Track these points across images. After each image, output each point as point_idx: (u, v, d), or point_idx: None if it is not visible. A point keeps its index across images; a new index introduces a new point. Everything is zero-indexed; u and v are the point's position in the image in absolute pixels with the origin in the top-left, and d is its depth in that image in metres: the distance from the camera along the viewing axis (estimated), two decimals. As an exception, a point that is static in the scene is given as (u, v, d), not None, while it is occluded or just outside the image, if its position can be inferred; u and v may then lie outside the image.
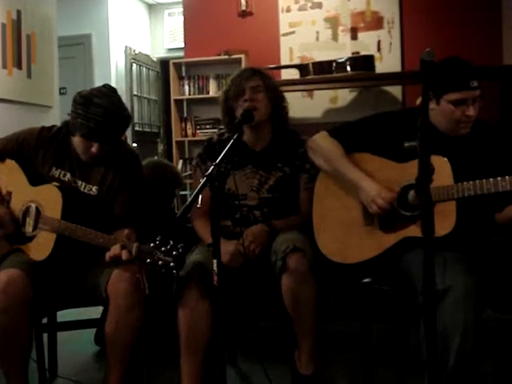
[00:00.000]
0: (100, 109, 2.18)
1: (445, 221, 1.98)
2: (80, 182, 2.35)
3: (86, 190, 2.35)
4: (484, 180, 1.95)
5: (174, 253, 1.98)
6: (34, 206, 2.28)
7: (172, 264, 1.97)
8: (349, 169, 2.20)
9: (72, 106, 2.25)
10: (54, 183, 2.30)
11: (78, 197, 2.32)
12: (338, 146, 2.26)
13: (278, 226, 2.40)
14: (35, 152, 2.37)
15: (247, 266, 2.30)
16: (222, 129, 2.65)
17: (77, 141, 2.30)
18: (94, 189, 2.34)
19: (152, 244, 2.02)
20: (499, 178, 1.93)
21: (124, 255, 2.06)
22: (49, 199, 2.26)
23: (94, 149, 2.25)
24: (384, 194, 2.07)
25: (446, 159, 2.02)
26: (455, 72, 2.07)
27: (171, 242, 2.00)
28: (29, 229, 2.27)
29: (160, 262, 1.98)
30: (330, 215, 2.29)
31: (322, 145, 2.30)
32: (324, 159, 2.29)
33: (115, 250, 2.08)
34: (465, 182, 1.98)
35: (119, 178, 2.35)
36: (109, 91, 2.28)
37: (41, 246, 2.22)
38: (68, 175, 2.35)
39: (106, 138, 2.25)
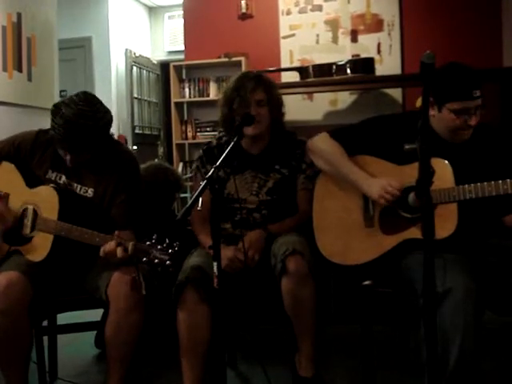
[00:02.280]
0: (62, 120, 2.14)
1: (446, 223, 1.98)
2: (75, 185, 2.35)
3: (81, 193, 2.34)
4: (485, 183, 1.95)
5: (170, 251, 1.98)
6: (31, 207, 2.28)
7: (168, 262, 1.97)
8: (351, 170, 2.20)
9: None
10: (51, 185, 2.30)
11: (74, 199, 2.32)
12: (339, 147, 2.26)
13: (274, 230, 2.40)
14: (31, 155, 2.37)
15: (246, 270, 2.30)
16: (221, 131, 2.65)
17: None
18: (90, 191, 2.34)
19: (148, 242, 2.02)
20: (500, 181, 1.93)
21: (119, 252, 2.06)
22: (46, 200, 2.26)
23: (67, 157, 2.24)
24: (392, 183, 2.08)
25: (446, 162, 2.03)
26: (458, 81, 2.05)
27: (167, 241, 2.00)
28: (26, 230, 2.28)
29: (156, 261, 1.98)
30: (330, 217, 2.29)
31: (323, 146, 2.31)
32: (325, 161, 2.29)
33: (110, 245, 2.08)
34: (466, 185, 1.98)
35: (115, 180, 2.34)
36: (79, 99, 2.19)
37: (38, 247, 2.23)
38: (63, 178, 2.35)
39: (73, 148, 2.21)
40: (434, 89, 2.06)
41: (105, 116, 2.23)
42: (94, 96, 2.27)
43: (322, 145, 2.31)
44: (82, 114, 2.15)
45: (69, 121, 2.13)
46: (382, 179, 2.12)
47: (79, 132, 2.15)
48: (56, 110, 2.18)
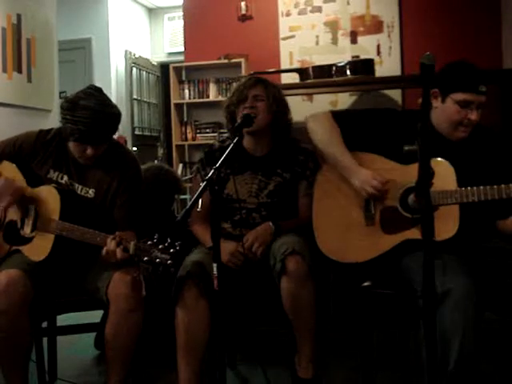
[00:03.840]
0: (87, 111, 2.17)
1: (448, 224, 1.98)
2: (77, 185, 2.35)
3: (82, 193, 2.34)
4: (488, 186, 1.95)
5: (172, 250, 1.97)
6: (32, 207, 2.28)
7: (169, 262, 1.96)
8: (343, 156, 2.22)
9: (60, 113, 2.25)
10: (53, 185, 2.30)
11: (75, 199, 2.32)
12: (338, 130, 2.28)
13: (281, 225, 2.40)
14: (33, 155, 2.37)
15: (246, 268, 2.30)
16: (222, 133, 2.66)
17: (71, 146, 2.30)
18: (91, 191, 2.34)
19: (149, 242, 2.02)
20: (503, 186, 1.93)
21: (119, 253, 2.06)
22: (47, 200, 2.26)
23: (88, 151, 2.24)
24: (378, 177, 2.11)
25: (448, 163, 2.02)
26: (466, 73, 2.08)
27: (168, 240, 2.00)
28: (27, 230, 2.28)
29: (157, 260, 1.98)
30: (330, 215, 2.29)
31: (324, 124, 2.32)
32: (321, 138, 2.31)
33: (110, 245, 2.08)
34: (469, 188, 1.97)
35: (117, 181, 2.35)
36: (94, 91, 2.26)
37: (39, 247, 2.23)
38: (65, 178, 2.35)
39: (98, 139, 2.24)
40: (441, 79, 2.08)
41: (116, 106, 2.31)
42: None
43: (324, 122, 2.33)
44: (104, 103, 2.23)
45: (96, 110, 2.17)
46: (368, 171, 2.14)
47: (105, 120, 2.21)
48: (73, 104, 2.20)
